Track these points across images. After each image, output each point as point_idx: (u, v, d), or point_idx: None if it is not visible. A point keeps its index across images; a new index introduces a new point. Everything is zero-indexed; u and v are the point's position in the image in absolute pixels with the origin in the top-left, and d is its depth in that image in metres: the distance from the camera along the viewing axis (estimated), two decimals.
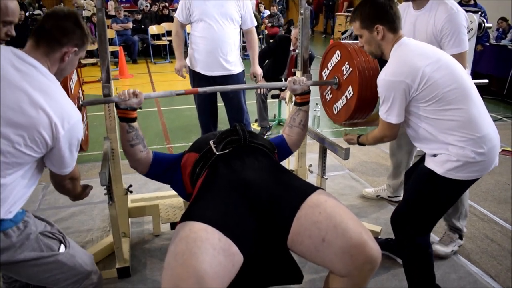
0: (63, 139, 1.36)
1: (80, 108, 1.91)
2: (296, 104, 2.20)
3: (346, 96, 2.18)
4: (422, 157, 1.92)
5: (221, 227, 1.42)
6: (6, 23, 1.47)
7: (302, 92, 2.16)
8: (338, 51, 2.25)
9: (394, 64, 1.78)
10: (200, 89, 2.24)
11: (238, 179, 1.65)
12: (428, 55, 1.75)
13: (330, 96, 2.38)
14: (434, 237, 2.62)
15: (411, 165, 2.69)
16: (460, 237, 2.52)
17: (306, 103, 2.19)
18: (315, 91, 2.49)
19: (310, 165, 2.60)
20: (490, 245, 2.61)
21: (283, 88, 4.26)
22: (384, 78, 1.77)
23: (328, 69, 2.37)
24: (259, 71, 3.51)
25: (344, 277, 1.48)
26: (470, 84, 1.77)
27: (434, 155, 1.78)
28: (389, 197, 3.10)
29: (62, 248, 1.46)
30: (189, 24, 3.27)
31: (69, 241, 1.52)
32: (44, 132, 1.31)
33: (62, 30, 1.43)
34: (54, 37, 1.42)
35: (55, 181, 1.55)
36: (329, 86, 2.37)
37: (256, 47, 3.45)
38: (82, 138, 1.49)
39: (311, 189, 1.64)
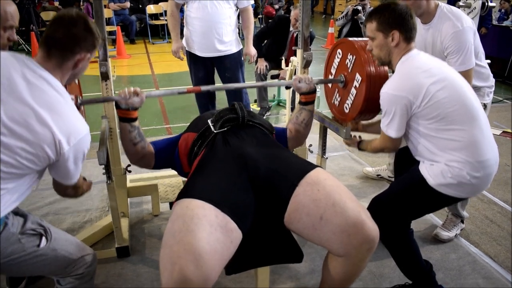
0: (68, 154, 1.35)
1: (78, 107, 1.87)
2: (300, 103, 2.11)
3: (355, 86, 2.07)
4: None
5: (218, 204, 1.41)
6: (7, 28, 1.45)
7: (307, 91, 2.07)
8: (339, 50, 2.19)
9: (398, 78, 1.75)
10: (203, 88, 2.17)
11: (237, 155, 1.63)
12: (434, 73, 1.70)
13: (339, 99, 2.26)
14: (437, 220, 2.63)
15: None
16: (462, 221, 2.53)
17: (311, 102, 2.10)
18: (314, 72, 2.43)
19: (310, 145, 2.59)
20: (490, 226, 2.61)
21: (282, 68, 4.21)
22: (386, 91, 1.75)
23: (332, 74, 2.29)
24: (252, 51, 3.43)
25: (342, 257, 1.47)
26: (477, 106, 1.73)
27: (431, 164, 1.76)
28: (389, 177, 3.09)
29: (43, 243, 1.43)
30: (184, 4, 3.21)
31: (52, 232, 1.48)
32: (47, 148, 1.30)
33: (73, 38, 1.39)
34: (66, 47, 1.39)
35: (57, 189, 1.54)
36: (336, 91, 2.27)
37: (251, 27, 3.36)
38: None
39: (310, 166, 1.63)
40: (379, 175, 3.16)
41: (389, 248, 1.93)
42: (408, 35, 1.77)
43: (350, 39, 2.11)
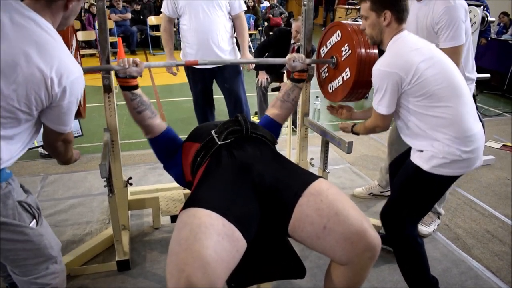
0: (61, 95, 1.31)
1: None
2: (293, 80, 2.27)
3: (343, 77, 2.22)
4: (408, 151, 1.94)
5: (224, 213, 1.42)
6: None
7: (301, 69, 2.25)
8: (338, 31, 2.26)
9: (390, 56, 1.81)
10: (201, 61, 2.30)
11: (241, 165, 1.65)
12: (423, 52, 1.77)
13: (327, 74, 2.41)
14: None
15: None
16: (438, 217, 2.65)
17: (303, 80, 2.29)
18: (314, 84, 2.49)
19: (312, 159, 2.59)
20: (491, 241, 2.60)
21: (283, 81, 4.22)
22: (379, 68, 1.80)
23: (326, 47, 2.38)
24: (249, 58, 3.39)
25: (344, 265, 1.49)
26: (462, 84, 1.80)
27: (421, 151, 1.81)
28: (381, 192, 3.07)
29: (33, 224, 1.41)
30: (177, 18, 3.22)
31: (43, 221, 1.47)
32: (38, 89, 1.26)
33: None
34: None
35: (47, 141, 1.49)
36: (326, 65, 2.39)
37: (245, 34, 3.32)
38: (81, 101, 1.42)
39: (313, 177, 1.66)
40: (371, 193, 3.11)
41: (400, 256, 1.96)
42: (399, 16, 1.83)
43: (351, 30, 2.16)
